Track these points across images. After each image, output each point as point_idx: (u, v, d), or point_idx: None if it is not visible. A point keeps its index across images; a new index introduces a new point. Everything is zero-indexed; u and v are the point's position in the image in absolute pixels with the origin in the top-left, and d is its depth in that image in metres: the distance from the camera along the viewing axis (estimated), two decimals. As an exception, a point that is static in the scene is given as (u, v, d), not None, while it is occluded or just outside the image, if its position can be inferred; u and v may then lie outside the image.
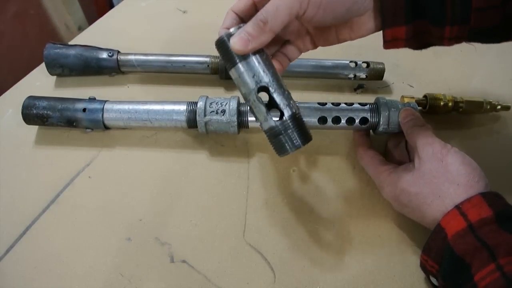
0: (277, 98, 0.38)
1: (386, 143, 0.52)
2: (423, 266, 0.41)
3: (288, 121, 0.38)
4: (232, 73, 0.39)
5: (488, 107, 0.55)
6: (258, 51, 0.38)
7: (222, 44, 0.38)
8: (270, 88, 0.38)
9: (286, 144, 0.39)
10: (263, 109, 0.39)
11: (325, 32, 0.42)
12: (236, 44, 0.36)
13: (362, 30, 0.41)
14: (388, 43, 0.41)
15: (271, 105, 0.39)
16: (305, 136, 0.40)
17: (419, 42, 0.40)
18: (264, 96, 0.38)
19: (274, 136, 0.39)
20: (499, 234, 0.35)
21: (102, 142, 0.54)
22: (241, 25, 0.37)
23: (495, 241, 0.34)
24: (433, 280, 0.40)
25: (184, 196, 0.49)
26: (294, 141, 0.39)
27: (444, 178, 0.39)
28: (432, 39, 0.39)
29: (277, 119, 0.39)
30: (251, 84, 0.38)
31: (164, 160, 0.52)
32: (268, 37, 0.37)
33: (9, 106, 0.58)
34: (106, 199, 0.49)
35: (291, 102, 0.39)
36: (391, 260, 0.45)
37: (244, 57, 0.38)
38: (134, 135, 0.55)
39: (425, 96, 0.56)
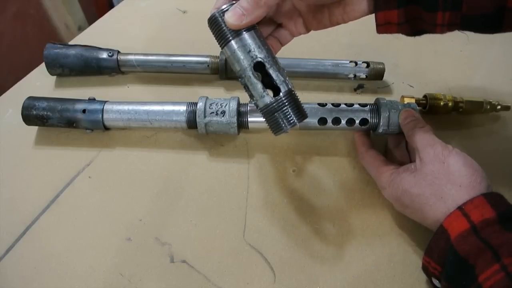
0: (273, 74, 0.38)
1: (386, 143, 0.52)
2: (425, 268, 0.41)
3: (284, 98, 0.38)
4: (225, 51, 0.39)
5: (488, 107, 0.55)
6: (252, 28, 0.38)
7: (214, 21, 0.38)
8: (266, 64, 0.38)
9: (282, 122, 0.39)
10: (259, 85, 0.38)
11: (318, 13, 0.42)
12: (230, 18, 0.36)
13: (355, 12, 0.40)
14: (381, 27, 0.40)
15: (266, 83, 0.39)
16: (300, 113, 0.39)
17: (412, 28, 0.40)
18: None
19: (270, 113, 0.39)
20: (502, 234, 0.35)
21: (102, 142, 0.54)
22: (233, 2, 0.37)
23: (499, 241, 0.34)
24: (436, 282, 0.40)
25: (184, 196, 0.49)
26: (290, 119, 0.38)
27: (446, 180, 0.39)
28: (425, 25, 0.39)
29: (272, 96, 0.38)
30: (247, 60, 0.38)
31: (164, 160, 0.52)
32: (263, 12, 0.36)
33: (9, 106, 0.58)
34: (106, 199, 0.49)
35: (287, 78, 0.39)
36: (391, 260, 0.45)
37: (238, 33, 0.37)
38: (134, 135, 0.55)
39: (425, 96, 0.56)
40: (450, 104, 0.54)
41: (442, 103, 0.54)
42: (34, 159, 0.53)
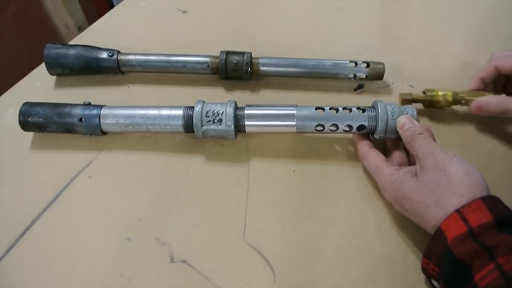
0: None
1: (385, 143, 0.52)
2: (424, 270, 0.41)
3: None
4: None
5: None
6: None
7: None
8: None
9: None
10: None
11: None
12: None
13: None
14: None
15: None
16: None
17: None
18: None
19: None
20: (498, 235, 0.35)
21: (102, 142, 0.54)
22: None
23: (494, 241, 0.35)
24: (435, 283, 0.40)
25: (184, 196, 0.49)
26: None
27: (447, 189, 0.39)
28: None
29: None
30: None
31: (164, 160, 0.52)
32: None
33: (9, 106, 0.58)
34: (106, 199, 0.49)
35: None
36: (391, 260, 0.45)
37: None
38: (134, 136, 0.55)
39: (423, 93, 0.55)
40: (449, 98, 0.54)
41: (440, 96, 0.54)
42: (34, 159, 0.53)
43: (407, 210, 0.42)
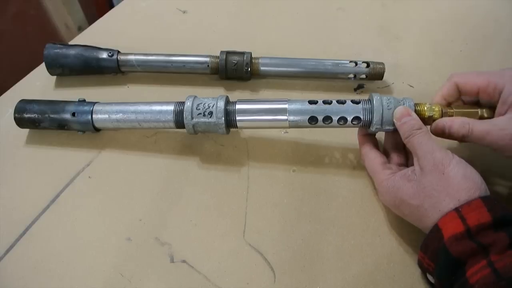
0: None
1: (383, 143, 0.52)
2: (420, 263, 0.41)
3: None
4: None
5: (485, 115, 0.47)
6: None
7: None
8: None
9: None
10: None
11: None
12: None
13: None
14: None
15: None
16: None
17: None
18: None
19: None
20: (495, 234, 0.35)
21: (102, 142, 0.54)
22: None
23: (490, 239, 0.35)
24: (430, 277, 0.40)
25: (184, 196, 0.49)
26: None
27: (444, 193, 0.38)
28: None
29: None
30: None
31: (164, 160, 0.52)
32: None
33: (9, 106, 0.57)
34: (106, 199, 0.49)
35: None
36: (391, 260, 0.45)
37: None
38: (134, 135, 0.55)
39: None
40: (436, 115, 0.47)
41: (427, 115, 0.47)
42: (34, 159, 0.53)
43: (406, 215, 0.42)
